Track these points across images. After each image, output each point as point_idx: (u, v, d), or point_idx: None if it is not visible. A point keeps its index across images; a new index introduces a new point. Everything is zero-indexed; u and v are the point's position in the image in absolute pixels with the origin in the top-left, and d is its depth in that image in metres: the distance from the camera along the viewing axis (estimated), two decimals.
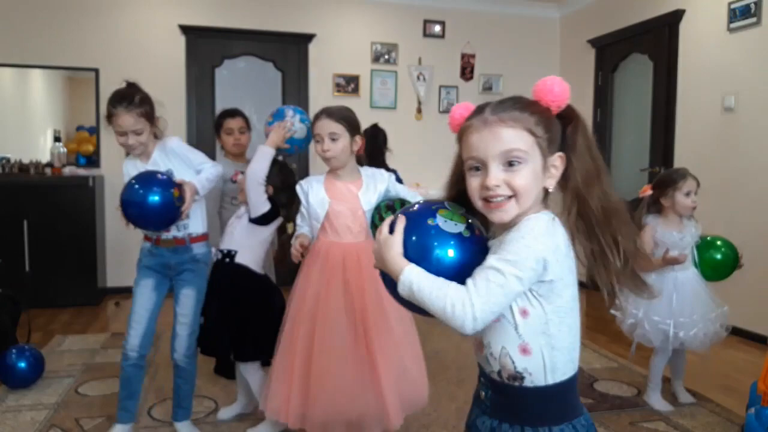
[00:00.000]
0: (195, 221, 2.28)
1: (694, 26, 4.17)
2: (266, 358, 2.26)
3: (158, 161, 2.24)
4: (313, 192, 2.13)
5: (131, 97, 2.14)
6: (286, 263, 2.24)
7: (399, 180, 2.73)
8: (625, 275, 1.04)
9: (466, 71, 5.52)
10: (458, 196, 1.10)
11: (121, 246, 4.50)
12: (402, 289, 0.99)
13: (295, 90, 5.14)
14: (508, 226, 1.03)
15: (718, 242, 2.61)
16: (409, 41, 5.37)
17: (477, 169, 1.03)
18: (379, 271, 1.10)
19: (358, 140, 2.12)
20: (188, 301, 2.27)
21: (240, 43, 5.07)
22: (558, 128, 1.04)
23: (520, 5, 5.56)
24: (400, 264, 1.01)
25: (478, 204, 1.04)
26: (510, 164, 1.00)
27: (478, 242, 1.05)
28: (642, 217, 2.55)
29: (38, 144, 4.74)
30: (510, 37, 5.58)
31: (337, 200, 2.10)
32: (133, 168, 2.24)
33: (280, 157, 2.47)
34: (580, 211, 1.03)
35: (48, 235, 4.31)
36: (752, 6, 3.68)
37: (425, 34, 5.42)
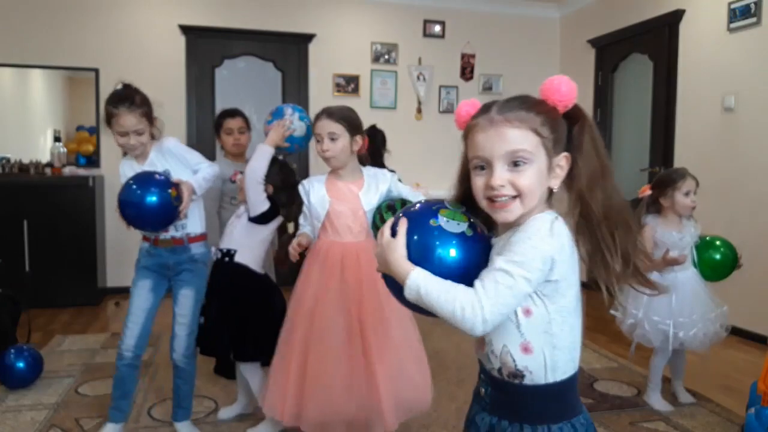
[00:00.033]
0: (193, 221, 2.28)
1: (694, 26, 4.17)
2: (266, 358, 2.26)
3: (155, 162, 2.24)
4: (314, 191, 2.13)
5: (132, 97, 2.14)
6: (287, 263, 2.23)
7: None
8: (625, 276, 1.04)
9: (466, 71, 5.52)
10: (466, 193, 1.09)
11: (121, 246, 4.49)
12: (409, 293, 0.99)
13: (295, 90, 5.14)
14: (512, 226, 1.04)
15: (717, 242, 2.61)
16: (409, 41, 5.37)
17: (482, 168, 1.03)
18: (381, 274, 1.09)
19: (359, 140, 2.12)
20: (187, 301, 2.28)
21: (240, 43, 5.07)
22: (564, 128, 1.04)
23: (520, 5, 5.56)
24: (406, 268, 1.00)
25: (483, 203, 1.04)
26: (515, 164, 1.00)
27: (480, 241, 1.05)
28: (641, 217, 2.55)
29: (38, 144, 4.74)
30: (510, 37, 5.58)
31: (338, 200, 2.10)
32: (129, 169, 2.24)
33: (281, 157, 2.47)
34: (582, 211, 1.03)
35: (48, 235, 4.31)
36: (752, 6, 3.68)
37: (425, 34, 5.42)
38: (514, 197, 1.01)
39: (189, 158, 2.28)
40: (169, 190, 2.09)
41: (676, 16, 4.27)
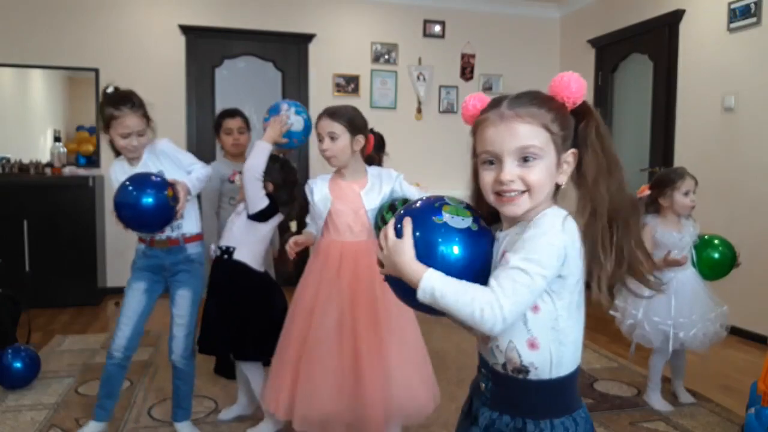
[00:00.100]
0: (189, 221, 2.28)
1: (694, 26, 4.17)
2: (266, 357, 2.26)
3: (148, 163, 2.24)
4: (318, 190, 2.14)
5: (131, 98, 2.14)
6: (291, 263, 2.24)
7: None
8: (617, 275, 1.03)
9: (466, 71, 5.52)
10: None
11: (121, 246, 4.48)
12: (423, 295, 0.97)
13: (295, 90, 5.14)
14: (517, 221, 1.04)
15: (716, 241, 2.61)
16: (409, 41, 5.37)
17: (491, 163, 1.03)
18: (384, 276, 1.08)
19: (361, 140, 2.11)
20: (184, 302, 2.28)
21: (240, 43, 5.07)
22: (572, 124, 1.04)
23: (520, 5, 5.55)
24: (418, 270, 0.98)
25: (490, 198, 1.04)
26: (525, 160, 1.00)
27: (485, 235, 1.05)
28: (641, 218, 2.55)
29: (38, 144, 4.74)
30: (510, 37, 5.58)
31: (339, 199, 2.11)
32: (121, 171, 2.23)
33: (281, 155, 2.47)
34: (591, 208, 1.03)
35: (48, 235, 4.31)
36: (752, 6, 3.68)
37: (425, 34, 5.42)
38: (523, 192, 1.01)
39: (182, 159, 2.29)
40: (166, 191, 2.09)
41: (676, 16, 4.27)
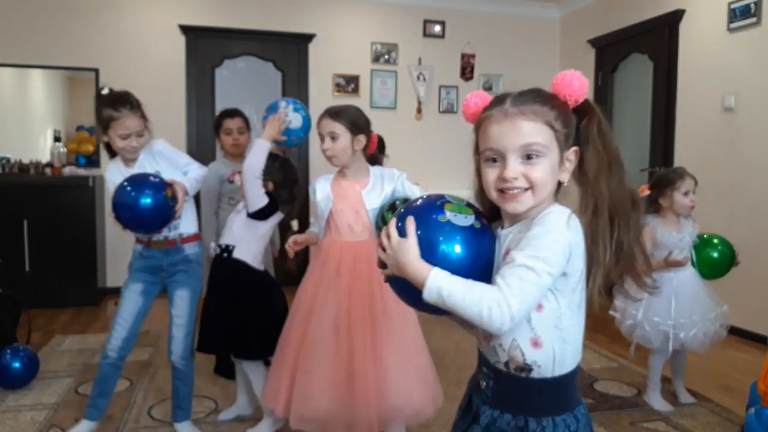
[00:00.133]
0: (186, 221, 2.28)
1: (694, 26, 4.17)
2: (267, 356, 2.26)
3: (144, 164, 2.23)
4: (320, 189, 2.15)
5: (130, 99, 2.14)
6: (293, 262, 2.24)
7: None
8: (615, 271, 1.03)
9: (466, 71, 5.52)
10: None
11: (121, 246, 4.46)
12: (429, 295, 0.96)
13: (295, 90, 5.14)
14: (519, 218, 1.04)
15: (715, 240, 2.61)
16: (409, 41, 5.37)
17: (494, 160, 1.03)
18: (385, 277, 1.07)
19: (362, 139, 2.11)
20: (183, 302, 2.28)
21: (240, 43, 5.07)
22: (574, 122, 1.05)
23: (520, 5, 5.55)
24: (423, 269, 0.97)
25: (493, 195, 1.04)
26: (528, 157, 1.00)
27: (488, 231, 1.05)
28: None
29: (38, 144, 4.74)
30: (510, 37, 5.58)
31: (341, 199, 2.11)
32: (117, 173, 2.23)
33: (282, 153, 2.47)
34: (593, 206, 1.03)
35: (48, 235, 4.31)
36: (752, 6, 3.68)
37: (425, 34, 5.42)
38: (526, 189, 1.01)
39: (178, 159, 2.29)
40: (165, 191, 2.08)
41: (676, 16, 4.27)
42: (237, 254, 2.32)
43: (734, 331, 3.36)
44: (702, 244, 2.59)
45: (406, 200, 2.11)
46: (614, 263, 1.03)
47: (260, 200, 2.26)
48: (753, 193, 3.70)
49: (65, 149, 4.68)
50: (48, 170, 4.52)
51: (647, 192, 2.58)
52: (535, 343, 1.01)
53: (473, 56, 5.52)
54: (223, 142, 3.05)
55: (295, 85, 5.16)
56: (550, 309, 1.00)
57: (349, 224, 2.09)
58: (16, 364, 2.81)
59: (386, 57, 5.34)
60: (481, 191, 1.10)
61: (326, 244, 2.13)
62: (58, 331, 3.83)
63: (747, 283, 3.41)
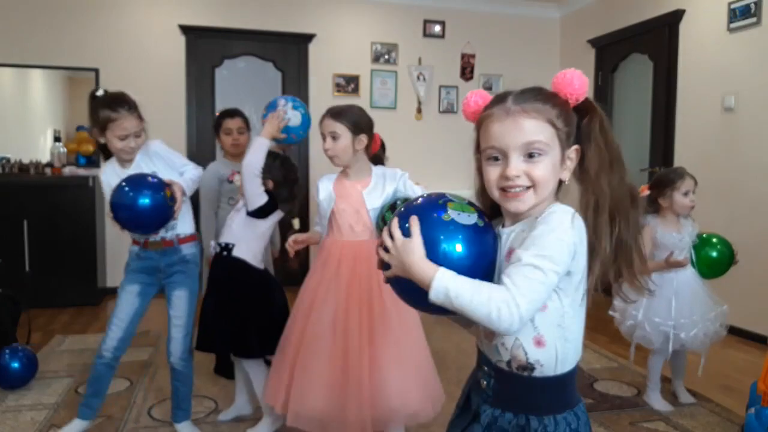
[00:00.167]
0: (183, 222, 2.28)
1: (694, 26, 4.17)
2: (267, 354, 2.26)
3: (141, 165, 2.23)
4: (323, 189, 2.16)
5: (127, 100, 2.14)
6: (295, 262, 2.24)
7: None
8: (613, 270, 1.04)
9: (466, 71, 5.52)
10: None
11: (121, 246, 4.42)
12: (436, 296, 0.95)
13: (295, 90, 5.13)
14: (521, 217, 1.04)
15: (714, 239, 2.61)
16: (409, 41, 5.37)
17: (496, 159, 1.02)
18: (386, 278, 1.06)
19: (364, 139, 2.11)
20: (181, 302, 2.28)
21: (240, 43, 5.07)
22: (575, 121, 1.05)
23: (520, 5, 5.55)
24: (428, 269, 0.96)
25: (495, 193, 1.04)
26: (530, 155, 1.00)
27: (490, 230, 1.05)
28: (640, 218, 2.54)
29: (38, 144, 4.74)
30: (510, 37, 5.58)
31: (342, 198, 2.12)
32: (113, 174, 2.22)
33: (282, 151, 2.47)
34: (593, 204, 1.03)
35: (48, 235, 4.31)
36: (752, 6, 3.68)
37: (425, 34, 5.42)
38: (528, 188, 1.01)
39: (175, 160, 2.29)
40: (164, 191, 2.08)
41: (676, 16, 4.27)
42: (237, 253, 2.32)
43: (734, 331, 3.36)
44: (701, 243, 2.59)
45: (406, 200, 2.11)
46: (612, 260, 1.03)
47: (259, 198, 2.26)
48: (753, 193, 3.70)
49: (65, 149, 4.68)
50: (48, 170, 4.52)
51: (647, 192, 2.58)
52: (538, 342, 1.01)
53: (473, 56, 5.52)
54: (222, 142, 3.05)
55: (295, 85, 5.16)
56: (553, 308, 1.00)
57: (350, 224, 2.10)
58: (15, 365, 2.81)
59: (386, 57, 5.34)
60: (482, 190, 1.10)
61: (328, 243, 2.13)
62: (58, 331, 3.83)
63: (747, 283, 3.41)
